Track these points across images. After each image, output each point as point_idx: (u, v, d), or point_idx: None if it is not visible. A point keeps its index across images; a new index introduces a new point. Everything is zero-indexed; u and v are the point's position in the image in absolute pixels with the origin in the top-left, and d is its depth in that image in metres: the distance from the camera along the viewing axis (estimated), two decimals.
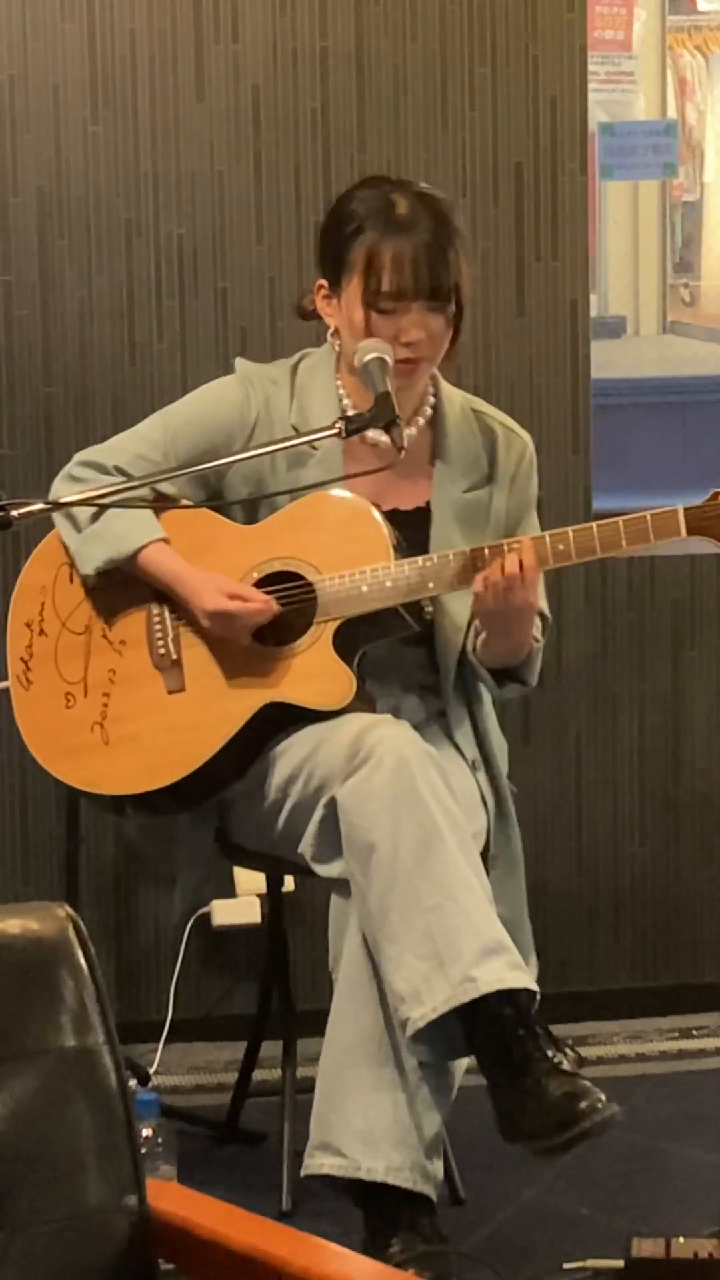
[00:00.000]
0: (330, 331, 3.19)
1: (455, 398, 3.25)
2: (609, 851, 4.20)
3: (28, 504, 2.64)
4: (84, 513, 3.14)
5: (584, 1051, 3.25)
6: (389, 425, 2.86)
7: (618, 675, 4.18)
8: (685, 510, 2.99)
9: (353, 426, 2.86)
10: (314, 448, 3.11)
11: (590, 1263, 3.02)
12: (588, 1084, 2.77)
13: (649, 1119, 3.61)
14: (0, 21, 3.86)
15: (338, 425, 2.87)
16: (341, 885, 2.95)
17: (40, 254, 3.92)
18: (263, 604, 3.05)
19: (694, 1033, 4.11)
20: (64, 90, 3.90)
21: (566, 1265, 3.02)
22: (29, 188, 3.90)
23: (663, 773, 4.20)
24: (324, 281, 3.16)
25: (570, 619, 4.14)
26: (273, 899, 3.51)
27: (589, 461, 4.11)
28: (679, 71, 4.10)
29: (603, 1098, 2.77)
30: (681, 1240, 2.95)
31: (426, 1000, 2.80)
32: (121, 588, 3.16)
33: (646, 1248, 2.95)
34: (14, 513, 2.54)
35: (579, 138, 4.05)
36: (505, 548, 3.02)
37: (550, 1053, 2.79)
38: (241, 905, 3.99)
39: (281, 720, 3.08)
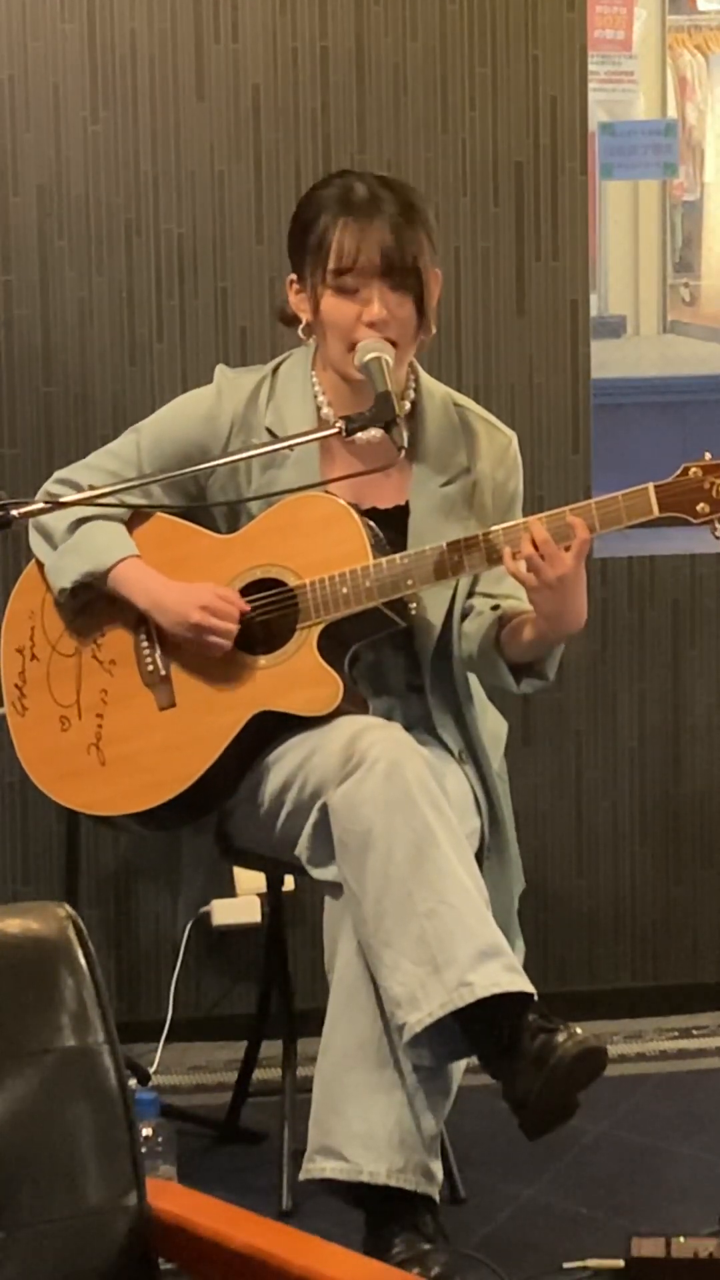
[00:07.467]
0: (301, 326, 3.16)
1: (436, 391, 3.21)
2: (609, 851, 4.20)
3: (28, 504, 2.64)
4: (59, 529, 3.14)
5: None
6: (388, 425, 2.85)
7: (618, 675, 4.17)
8: (656, 487, 2.95)
9: (353, 426, 2.85)
10: (290, 448, 3.08)
11: (590, 1263, 3.02)
12: (563, 1034, 2.79)
13: (649, 1119, 3.61)
14: (0, 21, 3.86)
15: (339, 424, 2.87)
16: (336, 888, 2.95)
17: (40, 254, 3.92)
18: (231, 623, 3.04)
19: (694, 1033, 4.11)
20: (64, 90, 3.90)
21: (566, 1265, 3.02)
22: (29, 187, 3.90)
23: (663, 773, 4.20)
24: (294, 275, 3.15)
25: None
26: (273, 899, 3.51)
27: (589, 461, 4.10)
28: (679, 71, 4.11)
29: (578, 1030, 2.79)
30: (681, 1240, 2.96)
31: (423, 1005, 2.79)
32: (108, 606, 3.15)
33: (646, 1248, 2.95)
34: (14, 512, 2.54)
35: (579, 137, 4.04)
36: (482, 539, 2.98)
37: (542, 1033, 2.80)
38: (241, 905, 3.99)
39: (274, 727, 3.07)
